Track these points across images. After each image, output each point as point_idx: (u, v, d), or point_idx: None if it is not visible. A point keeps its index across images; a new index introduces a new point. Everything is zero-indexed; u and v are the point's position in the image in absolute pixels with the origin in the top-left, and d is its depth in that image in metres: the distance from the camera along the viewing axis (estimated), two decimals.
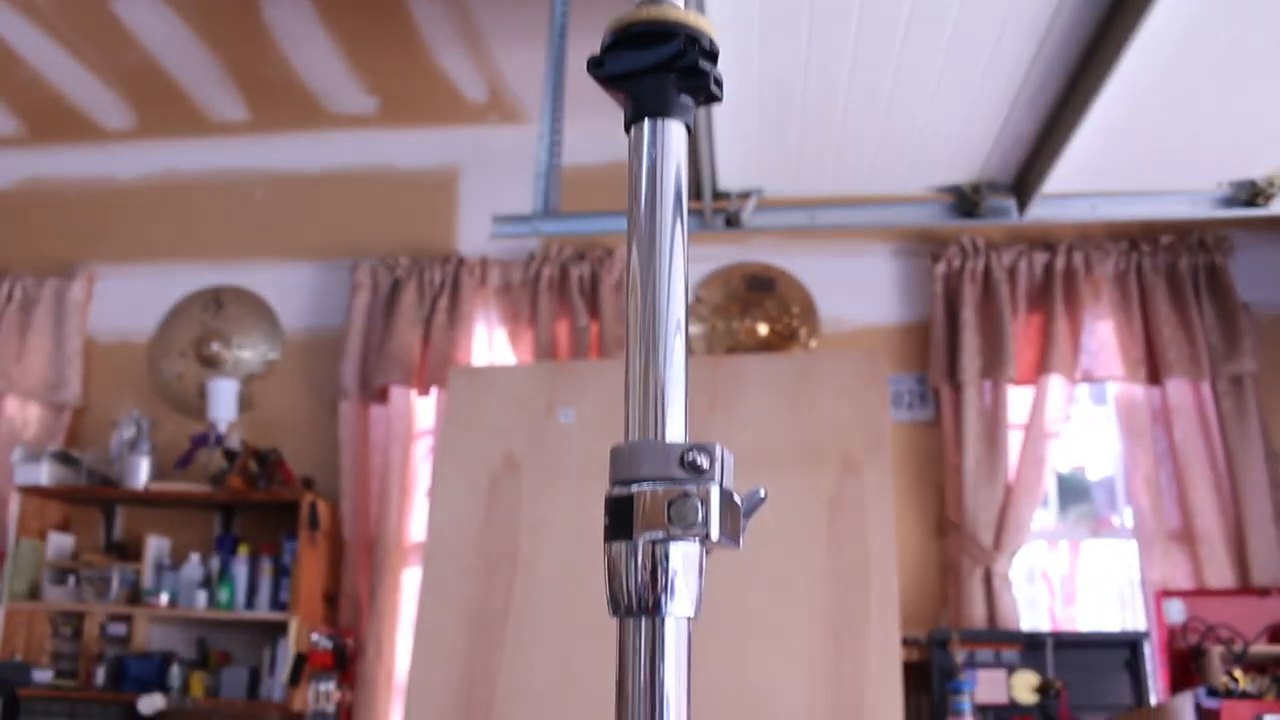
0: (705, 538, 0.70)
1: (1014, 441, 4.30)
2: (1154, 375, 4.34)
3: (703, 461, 0.71)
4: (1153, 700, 4.07)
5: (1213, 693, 3.96)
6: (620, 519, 0.71)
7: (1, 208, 5.27)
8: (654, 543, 0.70)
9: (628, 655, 0.71)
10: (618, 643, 0.72)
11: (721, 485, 0.71)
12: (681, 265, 0.77)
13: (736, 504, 0.74)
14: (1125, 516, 4.45)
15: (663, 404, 0.74)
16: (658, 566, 0.70)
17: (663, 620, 0.70)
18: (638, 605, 0.70)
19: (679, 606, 0.70)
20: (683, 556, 0.70)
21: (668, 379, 0.74)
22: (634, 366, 0.74)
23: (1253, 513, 4.18)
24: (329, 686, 4.19)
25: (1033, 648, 4.08)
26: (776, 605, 3.61)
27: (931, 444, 4.43)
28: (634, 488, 0.71)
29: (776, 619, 3.59)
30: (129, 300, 5.03)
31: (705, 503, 0.70)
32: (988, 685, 4.01)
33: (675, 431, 0.73)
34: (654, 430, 0.73)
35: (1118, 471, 4.50)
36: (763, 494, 0.77)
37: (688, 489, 0.70)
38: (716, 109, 2.70)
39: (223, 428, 4.51)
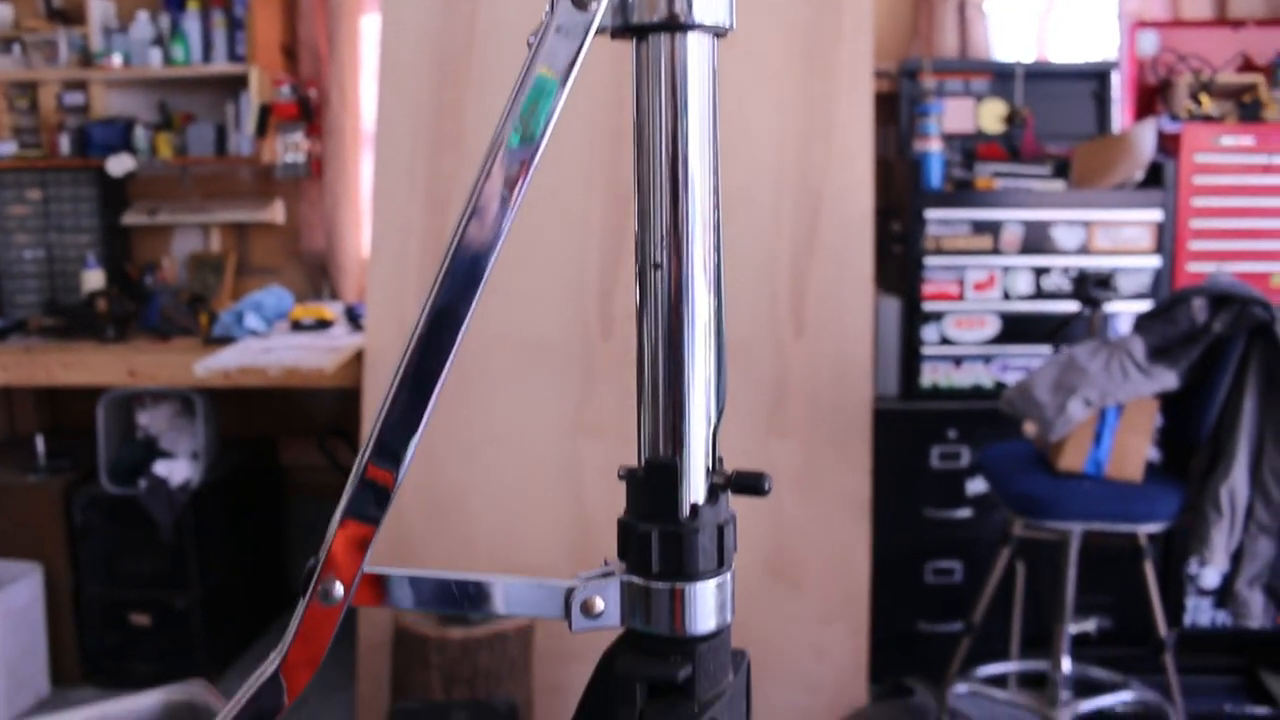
0: None
1: None
2: None
3: None
4: (1116, 129, 4.11)
5: (1175, 118, 4.00)
6: None
7: None
8: None
9: None
10: None
11: None
12: None
13: None
14: None
15: None
16: None
17: None
18: None
19: None
20: None
21: None
22: None
23: None
24: (297, 137, 4.17)
25: (1002, 78, 4.05)
26: (746, 24, 3.51)
27: None
28: None
29: (746, 38, 3.51)
30: None
31: None
32: (955, 114, 4.02)
33: None
34: None
35: None
36: None
37: None
38: None
39: None
